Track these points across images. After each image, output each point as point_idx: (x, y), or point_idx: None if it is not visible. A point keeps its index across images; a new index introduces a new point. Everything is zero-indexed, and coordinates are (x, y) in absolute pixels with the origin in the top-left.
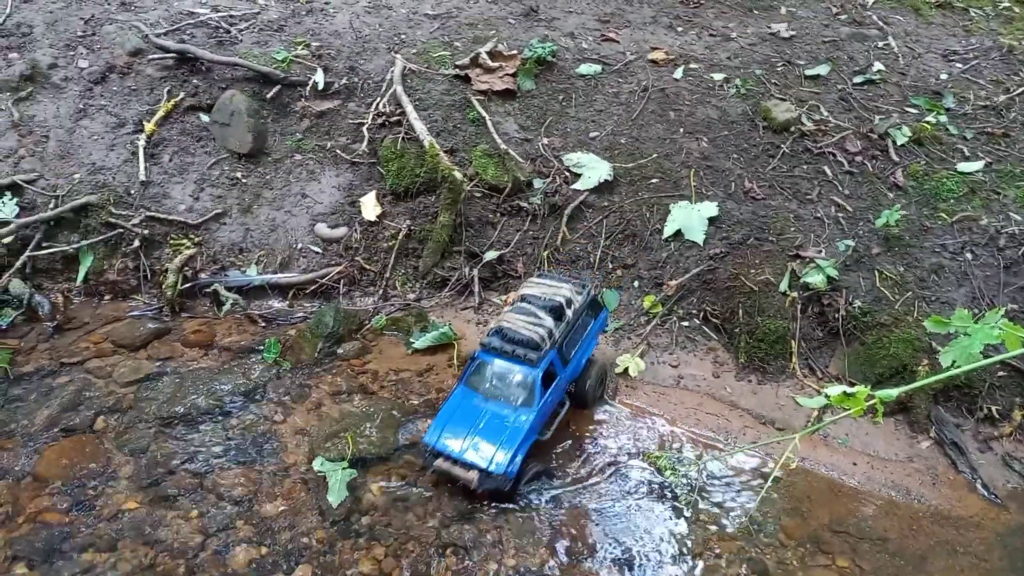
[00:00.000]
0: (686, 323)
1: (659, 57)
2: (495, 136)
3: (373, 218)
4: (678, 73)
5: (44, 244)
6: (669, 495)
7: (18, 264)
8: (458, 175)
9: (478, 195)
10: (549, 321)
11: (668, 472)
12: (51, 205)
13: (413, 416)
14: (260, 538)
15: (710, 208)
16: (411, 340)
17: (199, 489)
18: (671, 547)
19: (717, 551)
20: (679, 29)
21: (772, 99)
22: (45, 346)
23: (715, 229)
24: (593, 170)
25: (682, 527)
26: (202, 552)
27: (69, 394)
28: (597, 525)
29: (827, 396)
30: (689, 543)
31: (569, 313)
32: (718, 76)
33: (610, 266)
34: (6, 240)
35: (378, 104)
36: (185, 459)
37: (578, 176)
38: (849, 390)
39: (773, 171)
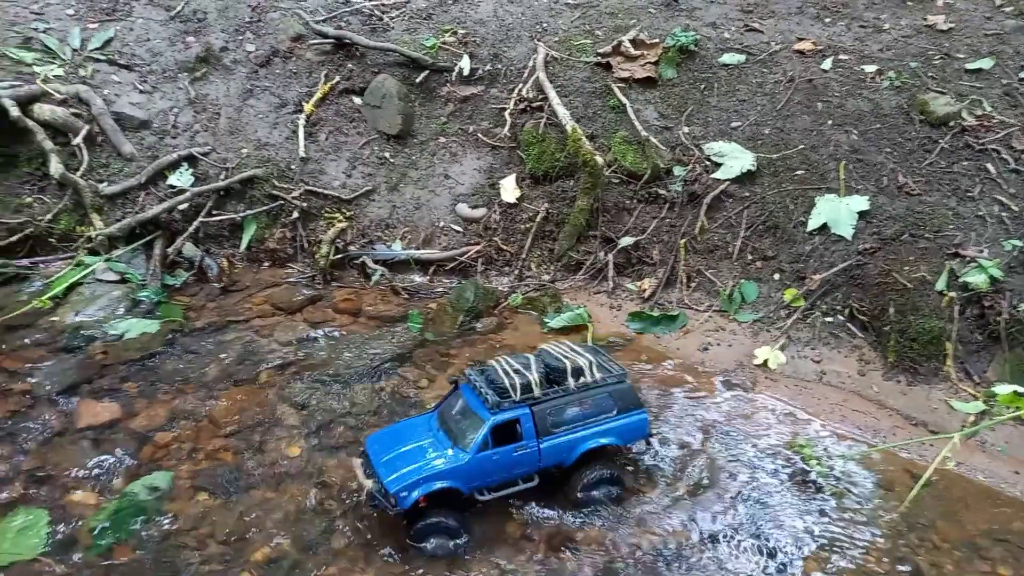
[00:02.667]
0: (830, 319)
1: (806, 47)
2: (635, 123)
3: (512, 200)
4: (826, 64)
5: (214, 212)
6: (813, 486)
7: (191, 229)
8: (599, 160)
9: (616, 181)
10: (534, 377)
11: (814, 463)
12: (222, 176)
13: None
14: None
15: (860, 202)
16: (546, 319)
17: (355, 443)
18: (815, 538)
19: (863, 546)
20: (827, 20)
21: (929, 92)
22: (213, 305)
23: (865, 224)
24: (735, 160)
25: (827, 519)
26: (361, 497)
27: (237, 349)
28: (737, 509)
29: (993, 395)
30: (834, 536)
31: (571, 383)
32: (870, 68)
33: (749, 257)
34: (182, 207)
35: (520, 90)
36: (343, 414)
37: (719, 165)
38: (1021, 389)
39: (930, 166)
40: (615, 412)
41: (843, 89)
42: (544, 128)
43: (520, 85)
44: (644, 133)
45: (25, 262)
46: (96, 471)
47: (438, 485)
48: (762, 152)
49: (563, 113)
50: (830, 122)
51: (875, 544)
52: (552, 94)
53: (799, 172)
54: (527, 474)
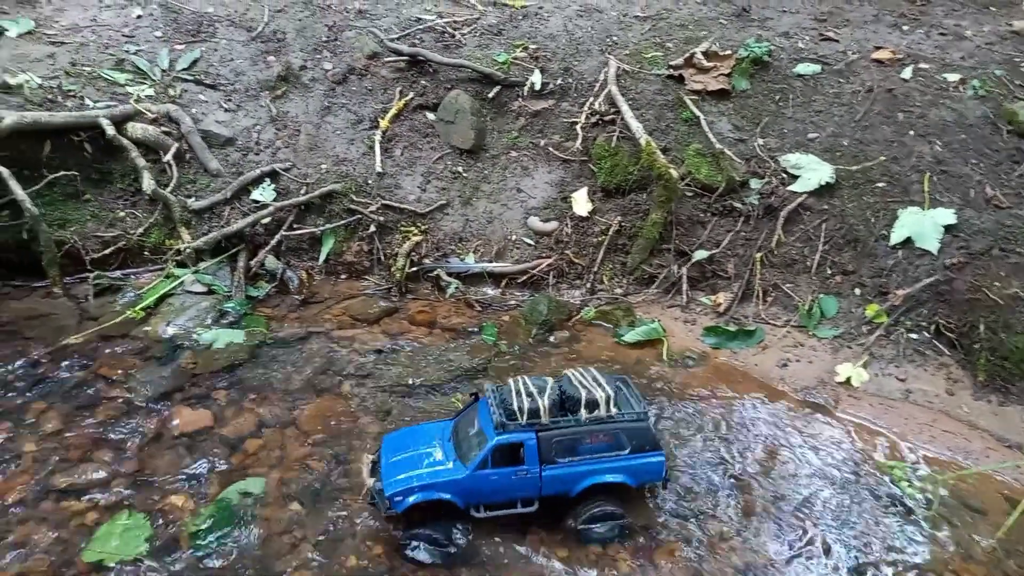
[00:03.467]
0: (915, 336)
1: (884, 56)
2: (709, 135)
3: (584, 213)
4: (906, 73)
5: (295, 226)
6: (903, 509)
7: (273, 243)
8: (674, 173)
9: (689, 194)
10: (543, 403)
11: (904, 485)
12: (302, 191)
13: None
14: None
15: (946, 215)
16: (619, 333)
17: None
18: (906, 563)
19: (954, 570)
20: (904, 27)
21: (1017, 101)
22: (294, 316)
23: (951, 238)
24: (813, 172)
25: (917, 542)
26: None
27: (318, 359)
28: (822, 530)
29: None
30: (926, 560)
31: (583, 413)
32: (952, 77)
33: (828, 271)
34: (265, 221)
35: (592, 103)
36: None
37: (796, 178)
38: None
39: (1020, 178)
40: (628, 451)
41: (925, 99)
42: (616, 141)
43: (591, 99)
44: (719, 145)
45: (118, 274)
46: (191, 476)
47: (433, 495)
48: (841, 164)
49: (636, 126)
50: (912, 133)
51: (971, 572)
52: (624, 107)
53: (880, 184)
54: (527, 498)
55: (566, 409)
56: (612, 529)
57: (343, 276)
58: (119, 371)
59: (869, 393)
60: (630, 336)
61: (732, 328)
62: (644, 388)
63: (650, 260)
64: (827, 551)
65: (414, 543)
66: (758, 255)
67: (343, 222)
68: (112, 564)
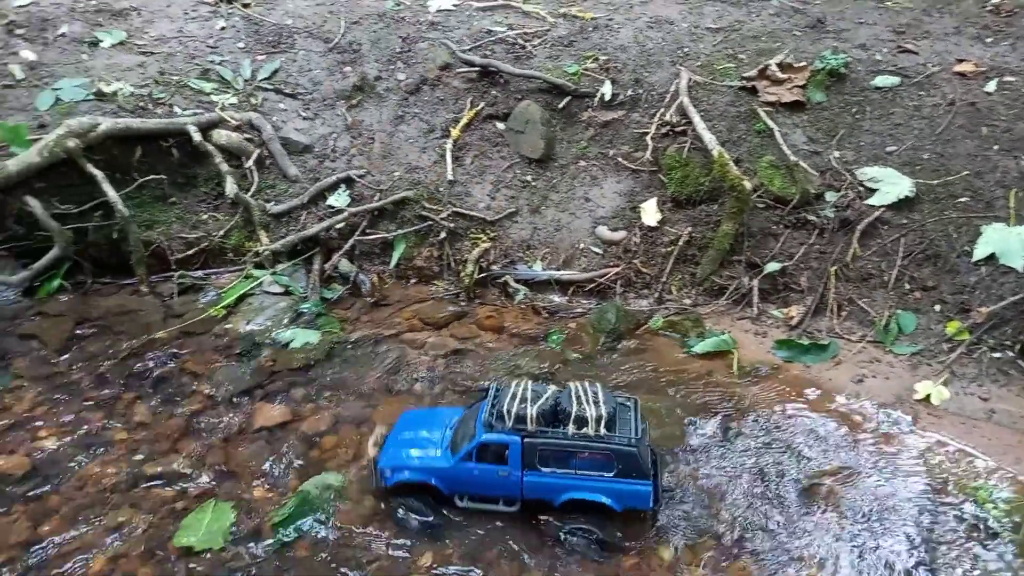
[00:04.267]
0: (998, 355)
1: (967, 69)
2: (783, 147)
3: (653, 223)
4: (990, 86)
5: (368, 231)
6: (987, 531)
7: (346, 247)
8: (747, 185)
9: (761, 206)
10: (532, 411)
11: (989, 507)
12: (376, 198)
13: (697, 416)
14: None
15: None
16: (689, 343)
17: None
18: None
19: None
20: (988, 40)
21: None
22: (366, 318)
23: None
24: (892, 185)
25: (1005, 567)
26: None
27: (390, 360)
28: (899, 549)
29: None
30: None
31: (571, 428)
32: None
33: (907, 287)
34: (339, 225)
35: (663, 114)
36: None
37: (873, 191)
38: None
39: None
40: (613, 473)
41: (1010, 112)
42: (688, 152)
43: (662, 110)
44: (793, 158)
45: (200, 273)
46: (271, 469)
47: (420, 477)
48: (921, 178)
49: (709, 138)
50: (996, 147)
51: None
52: (696, 118)
53: (963, 199)
54: (509, 498)
55: (558, 421)
56: (588, 545)
57: (413, 280)
58: (202, 366)
59: (950, 412)
60: (700, 347)
61: (805, 342)
62: (713, 400)
63: (720, 271)
64: (909, 572)
65: (401, 508)
66: (833, 269)
67: (414, 228)
68: (200, 550)
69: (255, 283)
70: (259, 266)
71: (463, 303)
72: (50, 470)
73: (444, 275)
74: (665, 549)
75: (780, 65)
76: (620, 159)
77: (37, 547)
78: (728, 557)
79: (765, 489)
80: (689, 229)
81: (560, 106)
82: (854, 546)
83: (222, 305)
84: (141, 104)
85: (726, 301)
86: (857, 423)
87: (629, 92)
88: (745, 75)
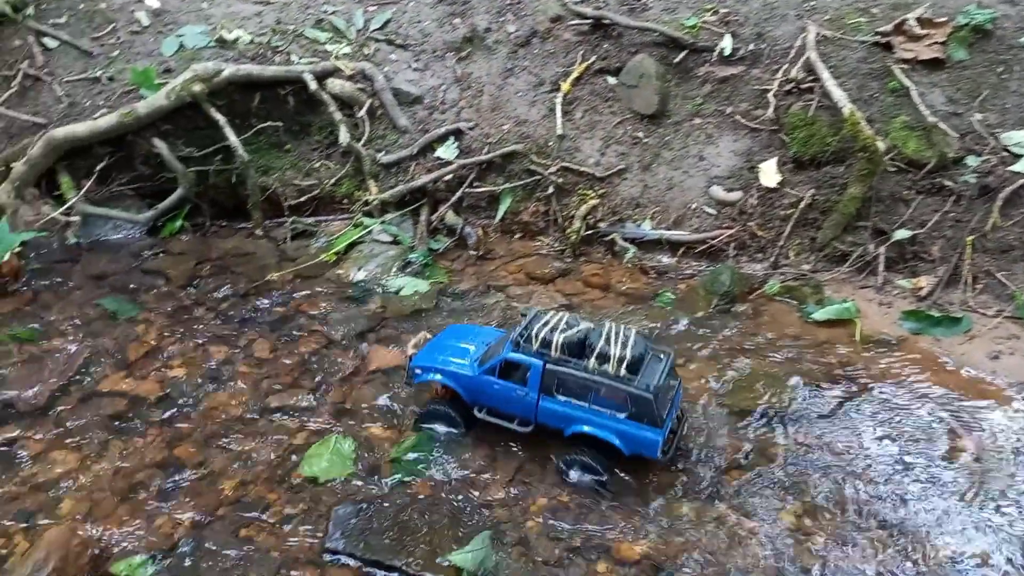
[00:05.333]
0: None
1: None
2: (920, 107)
3: (772, 185)
4: None
5: (475, 183)
6: None
7: (454, 199)
8: (881, 145)
9: (892, 169)
10: (558, 339)
11: None
12: (484, 150)
13: (814, 384)
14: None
15: None
16: (807, 310)
17: None
18: None
19: None
20: None
21: None
22: (472, 270)
23: None
24: None
25: None
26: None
27: (497, 312)
28: None
29: None
30: None
31: (592, 362)
32: None
33: None
34: (447, 177)
35: (787, 71)
36: None
37: (1019, 157)
38: None
39: None
40: (626, 415)
41: None
42: (814, 111)
43: (786, 65)
44: (931, 119)
45: (311, 220)
46: (387, 408)
47: (444, 380)
48: None
49: (839, 95)
50: None
51: None
52: (825, 75)
53: None
54: (524, 419)
55: (583, 354)
56: (589, 478)
57: (517, 235)
58: (317, 309)
59: None
60: (820, 314)
61: (935, 314)
62: (833, 369)
63: (843, 237)
64: None
65: (431, 420)
66: (969, 239)
67: (522, 182)
68: (324, 480)
69: (365, 231)
70: (368, 215)
71: (568, 260)
72: (180, 397)
73: (550, 231)
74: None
75: (919, 20)
76: (738, 117)
77: (172, 468)
78: (840, 538)
79: (885, 467)
80: (812, 191)
81: (676, 60)
82: (990, 532)
83: (333, 251)
84: (260, 52)
85: (848, 268)
86: (993, 402)
87: (750, 47)
88: (879, 30)
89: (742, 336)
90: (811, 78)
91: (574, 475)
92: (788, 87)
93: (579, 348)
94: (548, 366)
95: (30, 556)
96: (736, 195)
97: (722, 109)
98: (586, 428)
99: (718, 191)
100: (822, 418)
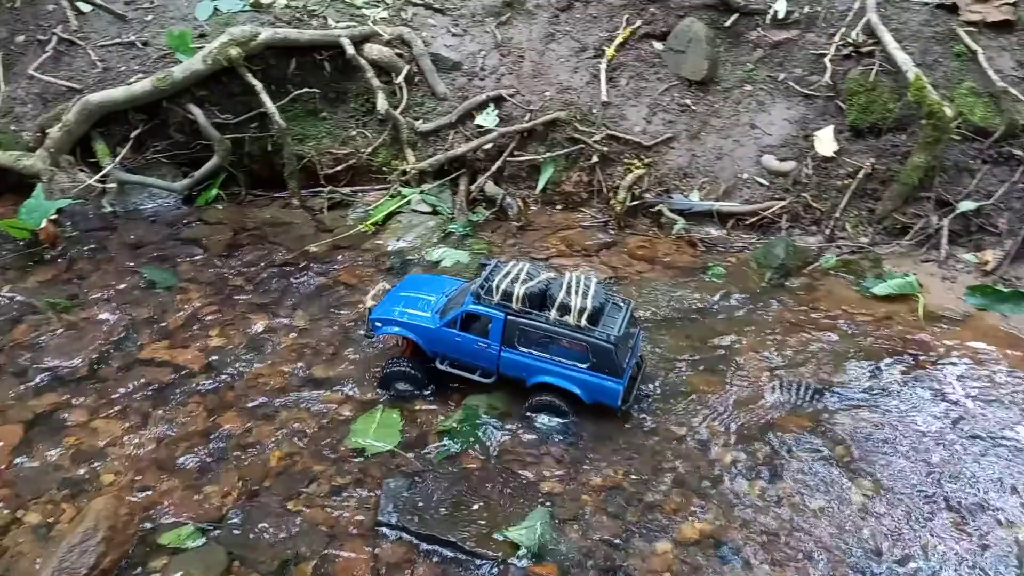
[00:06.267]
0: None
1: None
2: (989, 73)
3: (828, 154)
4: None
5: (515, 153)
6: None
7: (494, 168)
8: (948, 112)
9: (957, 138)
10: (519, 291)
11: None
12: (526, 118)
13: (874, 359)
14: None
15: None
16: (866, 285)
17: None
18: None
19: None
20: None
21: None
22: (512, 242)
23: None
24: None
25: None
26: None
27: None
28: None
29: None
30: None
31: (553, 314)
32: None
33: None
34: (487, 146)
35: (844, 34)
36: (657, 355)
37: None
38: None
39: None
40: (587, 365)
41: None
42: (875, 76)
43: (843, 29)
44: (1001, 84)
45: (347, 190)
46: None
47: (405, 333)
48: None
49: (902, 58)
50: None
51: None
52: (887, 38)
53: None
54: (486, 370)
55: (544, 305)
56: (554, 420)
57: (559, 206)
58: (356, 279)
59: None
60: (880, 289)
61: (1003, 289)
62: (894, 345)
63: (904, 209)
64: None
65: (392, 381)
66: None
67: (565, 151)
68: (372, 452)
69: (403, 201)
70: (405, 184)
71: (612, 231)
72: (222, 367)
73: (593, 202)
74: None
75: None
76: (791, 83)
77: (216, 438)
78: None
79: (955, 447)
80: (871, 161)
81: (726, 24)
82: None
83: (372, 221)
84: (296, 16)
85: (909, 241)
86: None
87: (805, 9)
88: None
89: (798, 311)
90: (871, 42)
91: (542, 420)
92: (846, 51)
93: (540, 300)
94: (509, 318)
95: (79, 525)
96: (789, 165)
97: (774, 75)
98: (548, 378)
99: (770, 160)
100: (886, 395)
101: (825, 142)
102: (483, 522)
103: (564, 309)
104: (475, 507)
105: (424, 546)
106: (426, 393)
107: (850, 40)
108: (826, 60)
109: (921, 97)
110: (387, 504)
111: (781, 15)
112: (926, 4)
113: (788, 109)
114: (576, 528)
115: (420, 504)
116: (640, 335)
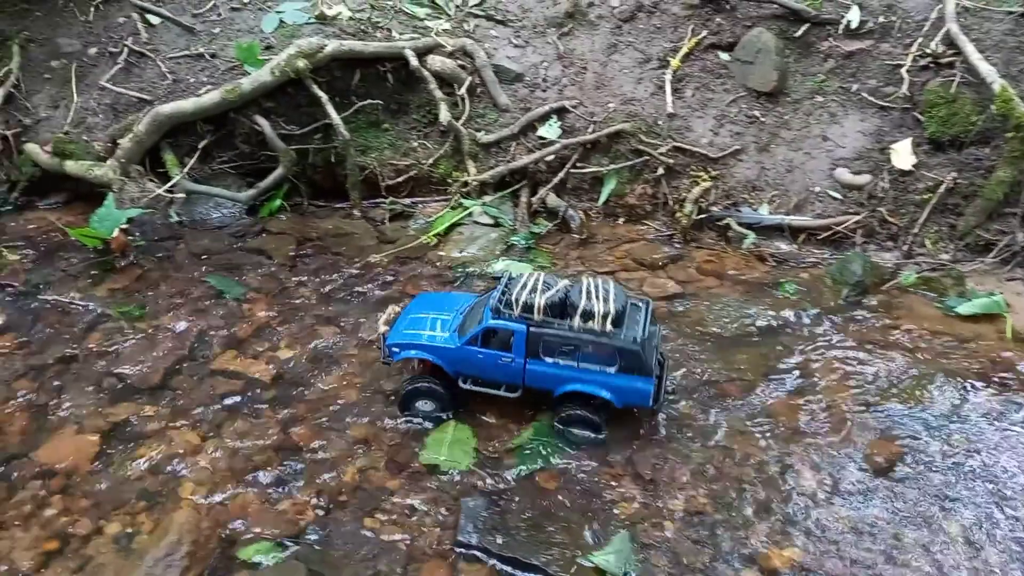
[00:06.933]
0: None
1: None
2: None
3: (906, 167)
4: None
5: (578, 164)
6: None
7: (555, 180)
8: None
9: None
10: (540, 301)
11: None
12: (589, 130)
13: (960, 381)
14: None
15: None
16: (950, 304)
17: (743, 406)
18: None
19: None
20: None
21: None
22: (575, 254)
23: None
24: None
25: None
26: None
27: None
28: None
29: None
30: None
31: (576, 321)
32: None
33: None
34: (549, 158)
35: (922, 44)
36: (724, 375)
37: None
38: None
39: None
40: (615, 369)
41: None
42: (956, 87)
43: (920, 39)
44: None
45: (407, 201)
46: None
47: (425, 356)
48: None
49: (986, 69)
50: None
51: None
52: (969, 48)
53: None
54: (511, 385)
55: (566, 314)
56: (587, 434)
57: (621, 219)
58: (420, 291)
59: None
60: (964, 308)
61: None
62: (982, 368)
63: (988, 225)
64: None
65: (413, 401)
66: None
67: (629, 163)
68: (446, 469)
69: (465, 213)
70: (466, 196)
71: (678, 245)
72: (292, 379)
73: (657, 214)
74: None
75: None
76: (865, 94)
77: (289, 451)
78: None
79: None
80: (952, 175)
81: (796, 34)
82: None
83: (434, 232)
84: (360, 28)
85: (993, 259)
86: None
87: (879, 19)
88: None
89: (878, 330)
90: (951, 52)
91: (575, 432)
92: (924, 62)
93: (561, 308)
94: (532, 330)
95: (163, 538)
96: (864, 178)
97: (847, 86)
98: (577, 386)
99: (844, 174)
100: (975, 420)
101: (903, 155)
102: (565, 545)
103: (587, 315)
104: (554, 529)
105: (506, 568)
106: (447, 409)
107: (928, 50)
108: (903, 71)
109: (1008, 109)
110: (466, 524)
111: (854, 25)
112: (1010, 13)
113: (862, 121)
114: (659, 554)
115: (500, 524)
116: (660, 332)
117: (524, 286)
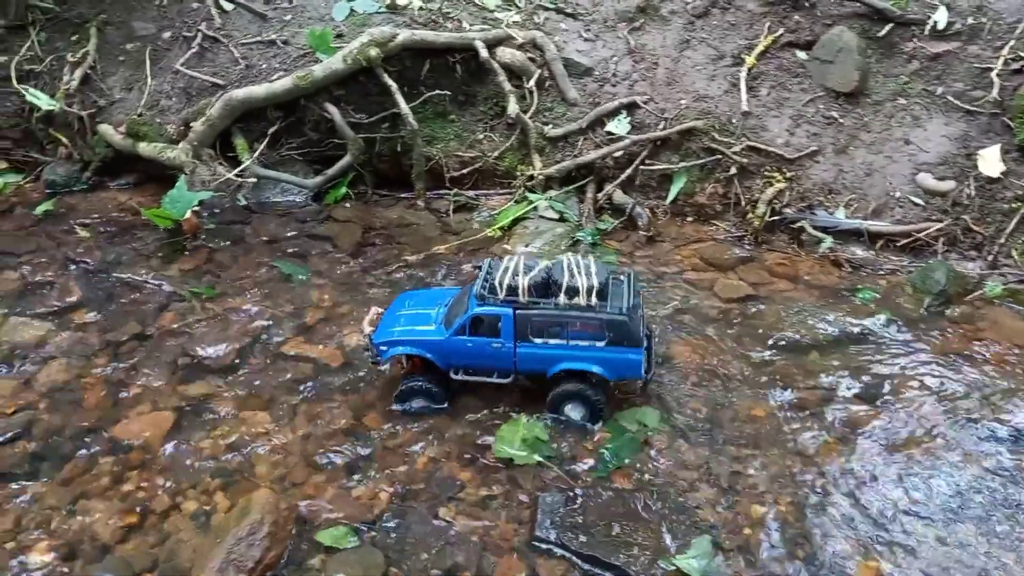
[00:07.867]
0: None
1: None
2: None
3: (994, 175)
4: None
5: (647, 161)
6: None
7: (623, 177)
8: None
9: None
10: (524, 282)
11: None
12: (659, 126)
13: None
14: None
15: None
16: None
17: (816, 412)
18: None
19: None
20: None
21: None
22: (641, 253)
23: None
24: None
25: None
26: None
27: (676, 299)
28: None
29: None
30: None
31: (562, 299)
32: None
33: None
34: (617, 154)
35: (1014, 48)
36: (804, 386)
37: None
38: None
39: None
40: (605, 343)
41: None
42: None
43: (1012, 42)
44: None
45: (471, 193)
46: None
47: (414, 351)
48: None
49: None
50: None
51: None
52: None
53: None
54: (503, 371)
55: (550, 292)
56: (580, 411)
57: (689, 218)
58: None
59: None
60: None
61: None
62: None
63: None
64: None
65: (409, 398)
66: None
67: (700, 161)
68: (520, 463)
69: (531, 207)
70: (531, 190)
71: (748, 247)
72: (362, 366)
73: (727, 215)
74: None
75: None
76: (951, 97)
77: (360, 437)
78: None
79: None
80: None
81: (879, 34)
82: None
83: (498, 226)
84: (431, 18)
85: None
86: None
87: (969, 20)
88: None
89: (962, 342)
90: None
91: (570, 411)
92: (1016, 66)
93: (545, 287)
94: (519, 312)
95: (244, 517)
96: (948, 184)
97: (931, 89)
98: (569, 364)
99: (927, 179)
100: None
101: (991, 162)
102: (644, 547)
103: (572, 291)
104: (633, 529)
105: (584, 566)
106: (444, 407)
107: (1021, 54)
108: (993, 75)
109: None
110: (544, 519)
111: (941, 26)
112: None
113: (947, 125)
114: (741, 560)
115: (578, 522)
116: (643, 304)
117: (506, 270)
